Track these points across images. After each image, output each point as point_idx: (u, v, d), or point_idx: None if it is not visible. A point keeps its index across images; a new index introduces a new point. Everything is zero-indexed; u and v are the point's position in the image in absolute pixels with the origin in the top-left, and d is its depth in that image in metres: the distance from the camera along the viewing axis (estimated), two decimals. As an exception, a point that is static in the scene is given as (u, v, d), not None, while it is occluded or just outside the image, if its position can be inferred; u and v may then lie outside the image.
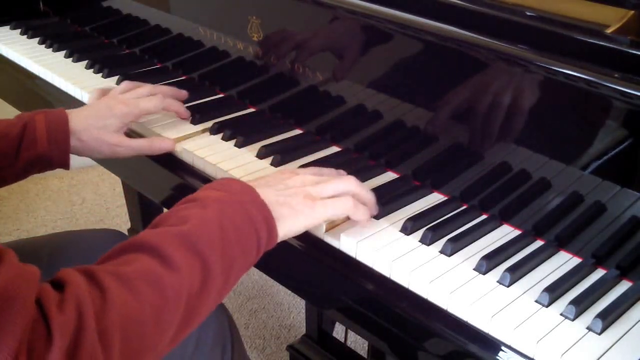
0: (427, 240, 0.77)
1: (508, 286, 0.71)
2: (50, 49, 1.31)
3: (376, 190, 0.85)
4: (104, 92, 1.01)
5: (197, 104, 1.09)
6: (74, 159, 0.94)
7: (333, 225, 0.79)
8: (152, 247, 0.61)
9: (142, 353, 0.58)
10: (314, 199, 0.73)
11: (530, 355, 0.64)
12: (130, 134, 1.01)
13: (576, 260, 0.76)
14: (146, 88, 1.00)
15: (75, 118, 0.92)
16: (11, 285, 0.51)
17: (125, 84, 1.01)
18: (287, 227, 0.72)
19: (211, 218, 0.65)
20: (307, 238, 0.81)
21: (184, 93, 1.06)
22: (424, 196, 0.86)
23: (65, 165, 0.92)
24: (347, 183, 0.77)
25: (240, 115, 1.06)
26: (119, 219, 2.17)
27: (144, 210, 1.63)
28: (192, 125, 1.02)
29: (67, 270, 0.58)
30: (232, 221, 0.66)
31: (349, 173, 0.87)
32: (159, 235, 0.63)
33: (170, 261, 0.61)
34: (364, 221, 0.77)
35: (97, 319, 0.54)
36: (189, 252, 0.62)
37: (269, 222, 0.69)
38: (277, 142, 0.98)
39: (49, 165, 0.91)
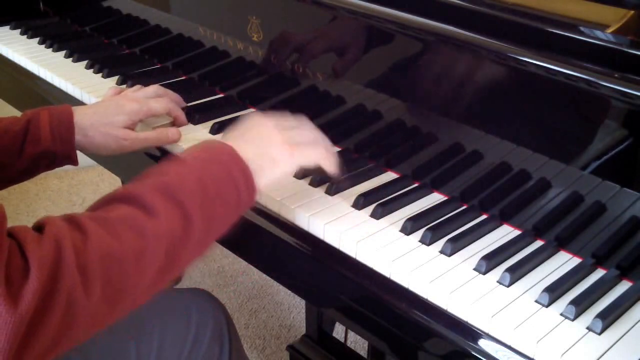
0: (427, 240, 0.77)
1: (508, 286, 0.71)
2: (50, 49, 1.31)
3: (376, 190, 0.85)
4: (118, 92, 1.02)
5: (197, 104, 1.09)
6: (76, 159, 0.94)
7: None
8: (133, 197, 0.64)
9: (123, 292, 0.60)
10: (291, 146, 0.76)
11: (530, 355, 0.64)
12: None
13: (576, 260, 0.76)
14: (152, 87, 1.01)
15: (82, 114, 0.92)
16: None
17: (137, 87, 1.02)
18: (268, 177, 0.74)
19: (190, 171, 0.68)
20: (307, 238, 0.81)
21: (182, 101, 1.06)
22: (424, 196, 0.86)
23: (72, 160, 0.92)
24: (317, 133, 0.80)
25: (240, 115, 1.06)
26: (119, 219, 2.17)
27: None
28: (191, 126, 1.02)
29: (48, 216, 0.60)
30: (212, 176, 0.69)
31: (349, 173, 0.87)
32: (139, 186, 0.66)
33: (151, 208, 0.63)
34: (332, 171, 0.80)
35: (76, 254, 0.56)
36: (169, 200, 0.65)
37: (247, 177, 0.72)
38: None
39: (54, 162, 0.91)
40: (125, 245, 0.60)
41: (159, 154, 0.99)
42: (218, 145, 0.74)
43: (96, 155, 0.98)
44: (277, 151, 0.75)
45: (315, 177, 0.87)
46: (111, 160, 1.14)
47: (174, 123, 1.02)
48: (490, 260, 0.73)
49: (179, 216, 0.65)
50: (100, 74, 1.21)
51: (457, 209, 0.84)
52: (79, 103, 1.14)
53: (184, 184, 0.67)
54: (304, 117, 0.82)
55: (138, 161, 1.01)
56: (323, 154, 0.78)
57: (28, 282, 0.53)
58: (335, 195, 0.85)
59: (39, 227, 0.58)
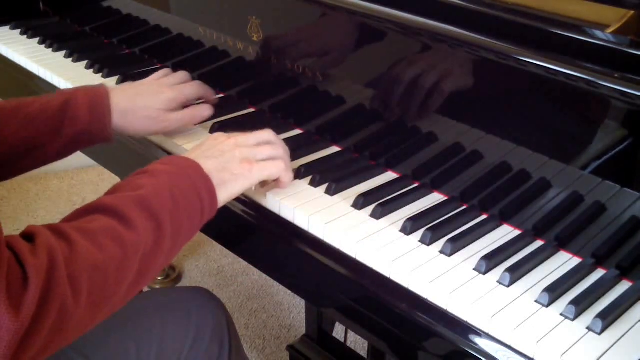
0: (427, 240, 0.77)
1: (508, 286, 0.71)
2: (50, 49, 1.31)
3: (376, 190, 0.85)
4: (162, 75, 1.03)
5: (197, 104, 1.08)
6: (74, 159, 0.94)
7: (263, 186, 0.86)
8: (111, 209, 0.67)
9: (104, 301, 0.64)
10: (250, 162, 0.80)
11: (530, 355, 0.64)
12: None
13: (576, 260, 0.76)
14: (182, 73, 1.04)
15: (121, 97, 0.93)
16: None
17: (164, 71, 1.04)
18: (229, 191, 0.78)
19: (163, 186, 0.72)
20: (306, 237, 0.81)
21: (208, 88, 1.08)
22: (424, 196, 0.86)
23: (109, 139, 0.93)
24: (277, 150, 0.84)
25: (240, 115, 1.06)
26: (119, 219, 2.17)
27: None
28: (191, 125, 1.02)
29: (34, 225, 0.62)
30: (180, 190, 0.72)
31: (349, 173, 0.87)
32: (118, 199, 0.69)
33: (129, 220, 0.66)
34: (288, 183, 0.85)
35: (66, 266, 0.59)
36: (145, 214, 0.68)
37: (211, 192, 0.76)
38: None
39: (90, 141, 0.92)
40: (107, 255, 0.63)
41: (151, 150, 0.99)
42: (184, 160, 0.77)
43: (134, 136, 1.00)
44: (236, 167, 0.79)
45: (315, 176, 0.87)
46: (111, 160, 1.15)
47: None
48: (490, 260, 0.73)
49: (153, 228, 0.68)
50: (100, 74, 1.21)
51: (457, 209, 0.84)
52: (79, 103, 1.14)
53: (158, 199, 0.70)
54: (267, 132, 0.85)
55: (138, 162, 1.00)
56: (281, 168, 0.82)
57: (28, 291, 0.55)
58: (335, 195, 0.85)
59: (28, 237, 0.60)
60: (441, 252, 0.75)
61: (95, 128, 0.90)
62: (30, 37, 1.37)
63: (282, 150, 0.84)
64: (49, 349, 0.59)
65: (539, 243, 0.78)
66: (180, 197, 0.72)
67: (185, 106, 0.98)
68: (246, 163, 0.79)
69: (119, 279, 0.64)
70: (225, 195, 0.78)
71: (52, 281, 0.57)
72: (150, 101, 0.94)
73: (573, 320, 0.66)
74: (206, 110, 0.99)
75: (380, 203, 0.82)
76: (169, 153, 0.98)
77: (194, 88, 1.01)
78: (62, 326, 0.58)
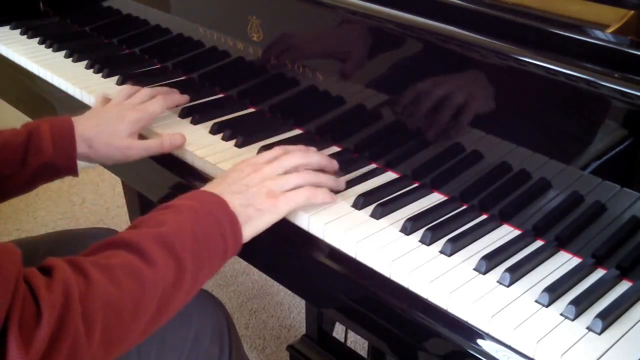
0: (427, 240, 0.77)
1: (508, 286, 0.71)
2: (50, 49, 1.31)
3: (376, 190, 0.85)
4: (107, 100, 1.01)
5: (197, 103, 1.09)
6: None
7: None
8: (132, 244, 0.66)
9: (119, 340, 0.62)
10: (275, 196, 0.78)
11: (530, 355, 0.64)
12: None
13: (576, 260, 0.76)
14: (146, 90, 1.01)
15: (84, 125, 0.92)
16: None
17: (127, 88, 1.02)
18: (254, 227, 0.77)
19: (185, 223, 0.70)
20: (306, 237, 0.81)
21: (175, 91, 1.07)
22: (424, 196, 0.86)
23: (74, 172, 0.92)
24: (304, 176, 0.81)
25: (240, 115, 1.06)
26: (119, 219, 2.17)
27: (143, 210, 1.63)
28: (192, 126, 1.02)
29: (53, 258, 0.61)
30: (203, 228, 0.71)
31: (349, 173, 0.87)
32: (139, 235, 0.68)
33: (149, 257, 0.65)
34: (327, 202, 0.82)
35: (82, 302, 0.58)
36: (166, 251, 0.67)
37: (235, 230, 0.74)
38: (277, 142, 0.98)
39: (56, 173, 0.91)
40: (124, 293, 0.62)
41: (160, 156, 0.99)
42: (209, 195, 0.76)
43: (101, 164, 0.99)
44: (262, 201, 0.77)
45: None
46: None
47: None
48: (490, 260, 0.73)
49: (173, 267, 0.67)
50: (100, 74, 1.21)
51: (457, 209, 0.84)
52: (79, 103, 1.14)
53: (180, 237, 0.69)
54: (295, 155, 0.83)
55: (138, 161, 1.00)
56: (308, 195, 0.80)
57: (40, 327, 0.55)
58: (335, 195, 0.85)
59: (46, 270, 0.60)
60: (441, 252, 0.75)
61: (60, 159, 0.89)
62: (30, 37, 1.37)
63: (309, 176, 0.82)
64: None
65: (539, 243, 0.78)
66: (202, 235, 0.71)
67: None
68: (272, 198, 0.78)
69: (136, 317, 0.63)
70: (250, 231, 0.76)
71: (65, 318, 0.56)
72: (114, 127, 0.93)
73: (573, 320, 0.66)
74: (177, 140, 0.95)
75: (380, 203, 0.82)
76: (174, 156, 0.98)
77: (158, 104, 0.98)
78: None
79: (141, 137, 0.99)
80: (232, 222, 0.74)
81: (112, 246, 0.67)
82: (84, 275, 0.60)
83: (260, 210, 0.77)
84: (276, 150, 0.85)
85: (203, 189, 0.79)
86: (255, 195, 0.77)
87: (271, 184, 0.79)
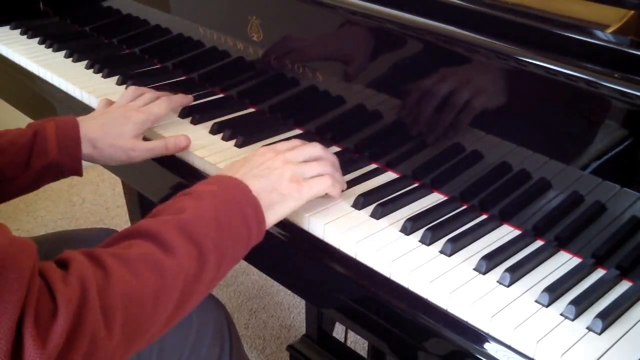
0: (427, 240, 0.77)
1: (508, 286, 0.71)
2: (50, 49, 1.31)
3: (376, 190, 0.85)
4: (110, 102, 1.01)
5: (197, 104, 1.09)
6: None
7: None
8: (151, 234, 0.64)
9: (140, 332, 0.61)
10: (298, 181, 0.77)
11: (530, 355, 0.64)
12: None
13: (576, 260, 0.76)
14: (150, 93, 1.01)
15: (89, 126, 0.92)
16: (5, 254, 0.53)
17: (132, 90, 1.01)
18: (277, 213, 0.76)
19: (206, 210, 0.68)
20: (306, 237, 0.81)
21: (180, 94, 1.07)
22: (424, 196, 0.86)
23: (78, 172, 0.92)
24: (324, 167, 0.81)
25: (240, 115, 1.06)
26: (119, 219, 2.17)
27: (144, 211, 1.63)
28: (192, 126, 1.02)
29: (71, 251, 0.60)
30: (225, 214, 0.69)
31: (349, 173, 0.87)
32: (158, 223, 0.66)
33: (169, 247, 0.64)
34: (338, 196, 0.82)
35: (100, 295, 0.57)
36: (186, 240, 0.65)
37: (259, 215, 0.73)
38: (277, 142, 0.97)
39: (60, 173, 0.91)
40: (144, 284, 0.61)
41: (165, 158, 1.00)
42: (231, 180, 0.74)
43: (104, 165, 0.99)
44: (285, 186, 0.76)
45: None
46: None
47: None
48: (490, 260, 0.73)
49: (195, 255, 0.65)
50: (100, 74, 1.21)
51: (457, 209, 0.84)
52: (79, 103, 1.14)
53: (201, 223, 0.67)
54: (315, 145, 0.83)
55: (139, 162, 1.00)
56: (328, 185, 0.79)
57: (56, 322, 0.53)
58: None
59: (63, 263, 0.59)
60: (441, 252, 0.75)
61: (65, 160, 0.89)
62: (30, 37, 1.37)
63: (329, 166, 0.81)
64: None
65: (539, 243, 0.78)
66: (225, 221, 0.69)
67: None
68: (294, 182, 0.76)
69: (157, 308, 0.62)
70: (273, 217, 0.75)
71: (83, 312, 0.55)
72: (119, 128, 0.93)
73: (573, 320, 0.66)
74: (182, 142, 0.95)
75: (380, 203, 0.82)
76: (177, 158, 0.98)
77: (163, 105, 0.98)
78: (93, 357, 0.56)
79: (144, 138, 0.99)
80: (255, 208, 0.72)
81: (131, 236, 0.65)
82: (102, 267, 0.59)
83: (284, 195, 0.75)
84: (295, 141, 0.84)
85: (223, 172, 0.78)
86: (278, 179, 0.76)
87: (294, 168, 0.77)
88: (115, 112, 0.96)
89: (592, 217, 0.75)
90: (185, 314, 0.67)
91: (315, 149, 0.82)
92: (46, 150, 0.88)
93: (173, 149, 0.95)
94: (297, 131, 1.02)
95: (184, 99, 1.05)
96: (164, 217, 0.67)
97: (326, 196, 0.82)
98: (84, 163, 0.94)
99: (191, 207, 0.68)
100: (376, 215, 0.81)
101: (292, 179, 0.76)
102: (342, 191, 0.85)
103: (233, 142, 0.97)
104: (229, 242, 0.69)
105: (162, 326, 0.64)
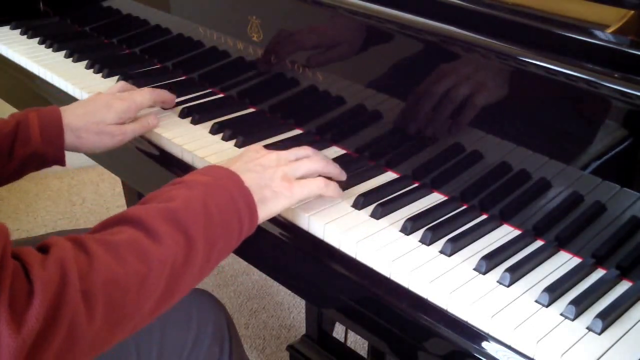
0: (427, 240, 0.77)
1: (508, 286, 0.71)
2: (50, 49, 1.31)
3: (376, 190, 0.85)
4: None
5: (197, 104, 1.09)
6: (74, 159, 0.94)
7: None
8: (139, 221, 0.64)
9: (123, 319, 0.60)
10: (290, 180, 0.77)
11: (530, 355, 0.64)
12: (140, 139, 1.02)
13: (576, 260, 0.76)
14: (129, 86, 1.04)
15: (72, 115, 0.92)
16: None
17: (122, 84, 1.03)
18: (269, 209, 0.75)
19: (196, 198, 0.68)
20: (307, 238, 0.81)
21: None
22: (424, 196, 0.86)
23: (61, 161, 0.92)
24: (316, 162, 0.81)
25: (240, 115, 1.06)
26: (119, 219, 2.17)
27: (144, 210, 1.63)
28: (192, 126, 1.02)
29: (55, 237, 0.60)
30: (217, 203, 0.69)
31: (349, 173, 0.87)
32: (146, 210, 0.66)
33: (156, 234, 0.63)
34: (335, 196, 0.81)
35: (81, 279, 0.56)
36: (174, 227, 0.65)
37: (251, 207, 0.72)
38: (277, 142, 0.98)
39: (43, 163, 0.91)
40: (129, 270, 0.60)
41: (157, 153, 1.00)
42: (223, 171, 0.74)
43: (90, 153, 0.99)
44: (278, 184, 0.76)
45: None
46: (111, 160, 1.14)
47: (165, 107, 1.06)
48: (490, 260, 0.73)
49: (182, 243, 0.65)
50: (100, 74, 1.21)
51: (457, 209, 0.84)
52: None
53: (190, 212, 0.67)
54: (305, 147, 0.83)
55: (138, 161, 1.01)
56: (321, 186, 0.79)
57: (32, 306, 0.52)
58: (343, 192, 0.85)
59: (45, 248, 0.58)
60: (441, 252, 0.75)
61: (48, 149, 0.89)
62: (30, 37, 1.37)
63: (321, 161, 0.81)
64: None
65: (539, 243, 0.78)
66: (215, 210, 0.68)
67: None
68: (286, 181, 0.77)
69: (142, 295, 0.61)
70: (265, 212, 0.75)
71: (61, 296, 0.54)
72: (102, 116, 0.93)
73: (573, 320, 0.66)
74: (153, 121, 0.98)
75: (380, 203, 0.82)
76: (167, 151, 0.98)
77: (146, 95, 1.00)
78: (73, 344, 0.55)
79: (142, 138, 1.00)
80: (247, 200, 0.72)
81: (118, 223, 0.65)
82: (86, 252, 0.58)
83: (276, 192, 0.75)
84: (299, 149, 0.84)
85: (217, 164, 0.78)
86: (271, 177, 0.76)
87: (285, 168, 0.78)
88: (98, 100, 0.96)
89: (592, 217, 0.75)
90: (172, 303, 0.66)
91: (308, 149, 0.83)
92: (29, 139, 0.88)
93: (147, 127, 0.98)
94: (297, 131, 1.02)
95: (167, 95, 1.05)
96: (152, 205, 0.67)
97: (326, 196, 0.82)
98: (85, 163, 0.94)
99: (181, 196, 0.68)
100: (376, 215, 0.81)
101: (284, 178, 0.77)
102: (344, 189, 0.85)
103: (233, 142, 0.97)
104: (219, 232, 0.68)
105: (147, 315, 0.63)
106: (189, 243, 0.65)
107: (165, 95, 1.04)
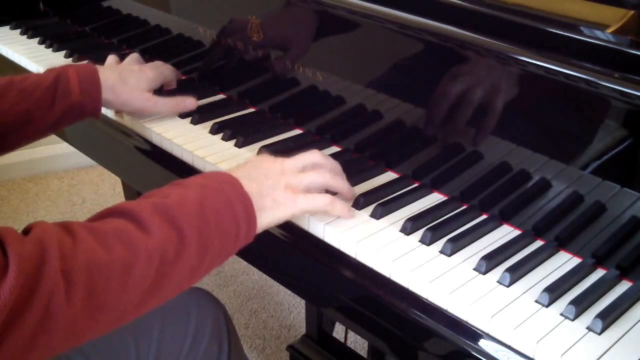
0: (427, 240, 0.77)
1: (508, 286, 0.71)
2: (50, 49, 1.31)
3: (376, 190, 0.85)
4: (118, 60, 1.09)
5: (197, 104, 1.09)
6: (74, 159, 0.94)
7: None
8: (130, 212, 0.65)
9: (105, 306, 0.59)
10: (294, 191, 0.76)
11: (530, 355, 0.64)
12: (127, 132, 1.02)
13: (576, 260, 0.76)
14: (164, 63, 1.11)
15: (109, 73, 0.98)
16: None
17: (136, 55, 1.09)
18: (269, 218, 0.74)
19: (192, 197, 0.68)
20: (306, 237, 0.81)
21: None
22: (424, 196, 0.86)
23: (96, 113, 0.97)
24: (322, 175, 0.79)
25: (240, 115, 1.06)
26: (119, 219, 2.17)
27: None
28: (191, 125, 1.02)
29: (40, 221, 0.60)
30: (213, 205, 0.69)
31: (349, 173, 0.87)
32: (139, 203, 0.66)
33: (146, 226, 0.63)
34: (343, 215, 0.80)
35: (62, 258, 0.56)
36: (165, 221, 0.65)
37: (250, 213, 0.71)
38: (277, 142, 0.98)
39: (81, 115, 0.95)
40: (114, 257, 0.60)
41: (157, 153, 0.99)
42: (224, 176, 0.74)
43: (118, 110, 1.04)
44: (280, 194, 0.75)
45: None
46: (111, 160, 1.15)
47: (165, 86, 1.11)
48: (490, 260, 0.73)
49: (173, 238, 0.65)
50: (100, 74, 1.20)
51: (457, 209, 0.84)
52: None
53: (184, 210, 0.66)
54: (314, 153, 0.82)
55: (138, 161, 1.01)
56: (326, 202, 0.78)
57: (5, 279, 0.52)
58: (352, 212, 0.84)
59: (27, 230, 0.58)
60: (441, 252, 0.75)
61: (86, 101, 0.94)
62: (30, 37, 1.37)
63: (327, 173, 0.79)
64: (35, 351, 0.55)
65: (539, 243, 0.78)
66: (211, 212, 0.68)
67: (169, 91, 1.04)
68: (290, 191, 0.75)
69: (126, 285, 0.61)
70: (265, 220, 0.74)
71: (38, 273, 0.54)
72: (136, 79, 1.00)
73: (573, 320, 0.66)
74: (191, 103, 1.03)
75: (380, 203, 0.82)
76: (156, 145, 0.99)
77: (170, 69, 1.08)
78: (50, 325, 0.55)
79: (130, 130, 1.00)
80: (246, 206, 0.71)
81: (110, 214, 0.65)
82: (71, 234, 0.58)
83: (277, 202, 0.74)
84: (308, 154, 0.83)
85: (221, 171, 0.78)
86: (274, 186, 0.75)
87: (289, 178, 0.77)
88: (131, 65, 1.04)
89: (592, 217, 0.75)
90: (160, 300, 0.66)
91: (314, 156, 0.81)
92: (69, 91, 0.92)
93: (183, 107, 1.03)
94: (297, 131, 1.02)
95: (172, 74, 1.11)
96: (147, 199, 0.67)
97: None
98: (85, 163, 0.95)
99: (176, 194, 0.68)
100: (376, 215, 0.81)
101: (288, 187, 0.76)
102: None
103: (233, 142, 0.97)
104: (214, 233, 0.68)
105: (132, 307, 0.63)
106: (180, 239, 0.65)
107: (172, 74, 1.11)
